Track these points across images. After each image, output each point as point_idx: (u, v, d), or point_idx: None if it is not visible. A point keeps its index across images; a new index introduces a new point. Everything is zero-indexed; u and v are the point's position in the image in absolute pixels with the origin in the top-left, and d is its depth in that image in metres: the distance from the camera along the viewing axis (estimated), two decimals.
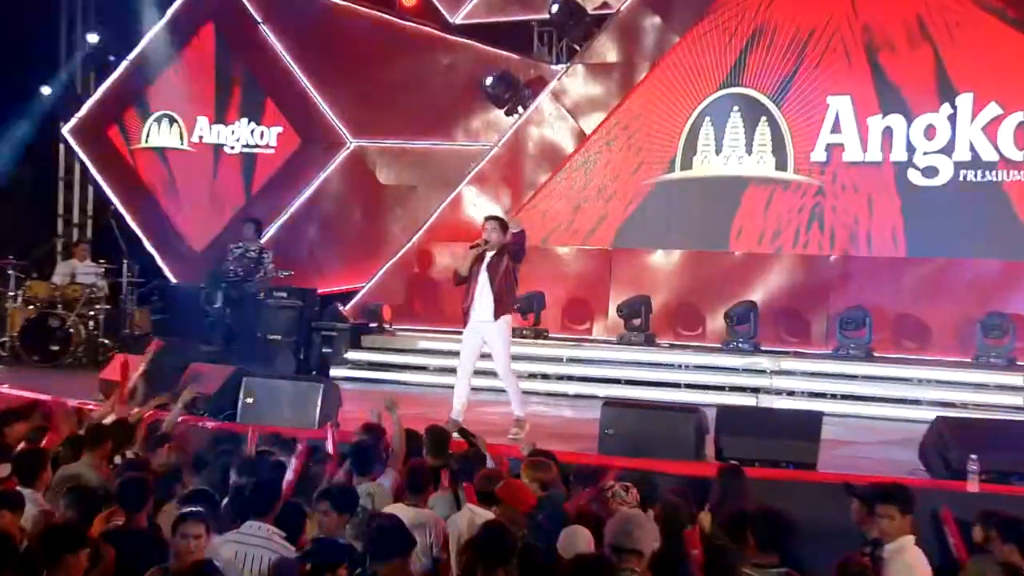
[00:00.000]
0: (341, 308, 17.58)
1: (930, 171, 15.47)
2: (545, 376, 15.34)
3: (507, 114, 18.27)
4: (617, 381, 15.05)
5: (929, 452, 9.41)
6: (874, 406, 13.63)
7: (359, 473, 8.45)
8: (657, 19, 17.35)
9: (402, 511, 7.36)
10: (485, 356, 11.68)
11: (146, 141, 20.77)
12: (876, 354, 14.78)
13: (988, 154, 15.11)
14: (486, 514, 7.37)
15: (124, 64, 20.81)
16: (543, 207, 17.53)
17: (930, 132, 15.46)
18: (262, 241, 16.92)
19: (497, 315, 11.36)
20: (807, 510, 7.86)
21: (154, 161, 20.75)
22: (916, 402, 13.38)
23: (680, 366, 15.22)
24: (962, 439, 9.10)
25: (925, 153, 15.49)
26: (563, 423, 12.78)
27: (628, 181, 17.23)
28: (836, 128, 15.96)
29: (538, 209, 17.47)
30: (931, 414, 11.40)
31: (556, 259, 17.37)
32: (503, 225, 11.61)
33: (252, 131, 19.95)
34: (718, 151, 16.67)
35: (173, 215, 20.55)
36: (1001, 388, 13.34)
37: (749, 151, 16.49)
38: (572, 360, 15.63)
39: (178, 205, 20.55)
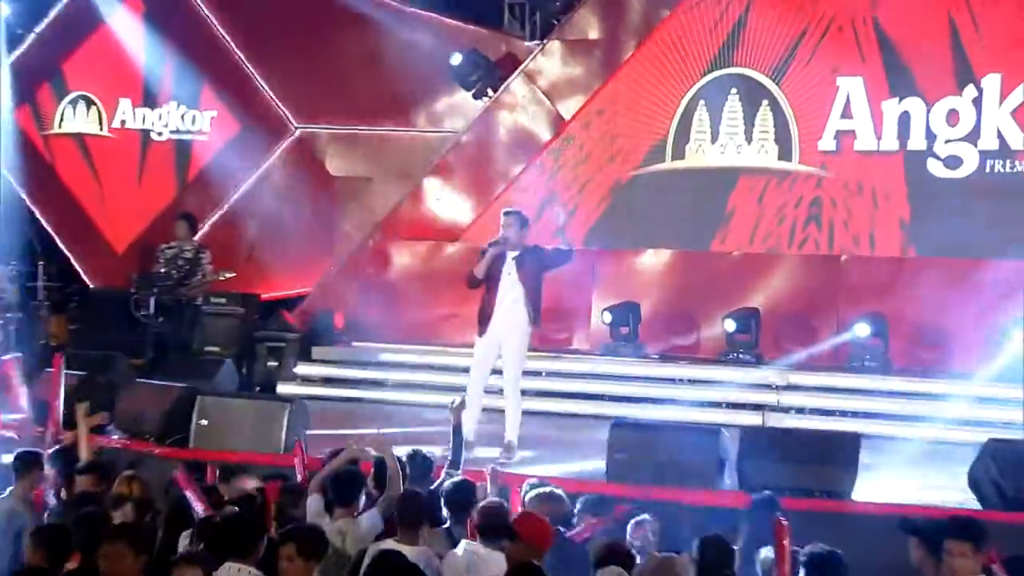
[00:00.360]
0: (287, 316, 17.36)
1: (953, 161, 15.49)
2: (522, 392, 14.97)
3: (475, 97, 17.98)
4: (600, 397, 15.01)
5: (980, 480, 9.32)
6: (897, 425, 13.49)
7: (340, 504, 8.24)
8: None
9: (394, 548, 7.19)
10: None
11: (60, 126, 20.64)
12: (896, 366, 14.73)
13: (1017, 142, 15.19)
14: (490, 553, 7.32)
15: (34, 35, 20.68)
16: (511, 200, 17.11)
17: (952, 118, 15.48)
18: (196, 240, 16.70)
19: (532, 323, 11.65)
20: (847, 548, 7.62)
21: (71, 149, 20.61)
22: (945, 420, 13.20)
23: (675, 380, 15.14)
24: (1019, 465, 8.99)
25: (947, 141, 15.51)
26: (559, 446, 12.72)
27: (605, 172, 17.24)
28: (847, 113, 15.98)
29: (505, 202, 16.82)
30: (964, 435, 11.99)
31: None
32: (523, 221, 11.74)
33: (183, 115, 19.86)
34: (714, 139, 16.68)
35: (92, 211, 20.38)
36: None
37: (749, 139, 16.50)
38: (552, 374, 15.48)
39: (99, 199, 20.39)
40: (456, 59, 17.65)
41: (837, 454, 9.68)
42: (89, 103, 20.41)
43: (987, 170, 15.31)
